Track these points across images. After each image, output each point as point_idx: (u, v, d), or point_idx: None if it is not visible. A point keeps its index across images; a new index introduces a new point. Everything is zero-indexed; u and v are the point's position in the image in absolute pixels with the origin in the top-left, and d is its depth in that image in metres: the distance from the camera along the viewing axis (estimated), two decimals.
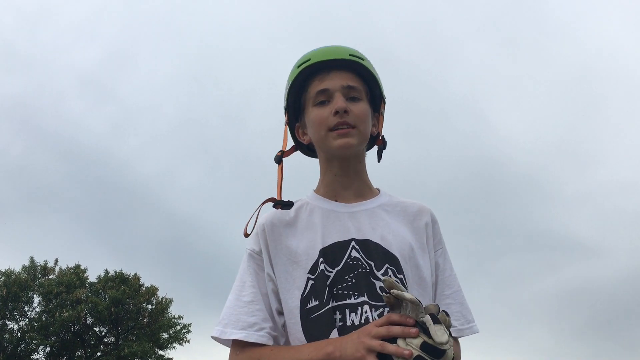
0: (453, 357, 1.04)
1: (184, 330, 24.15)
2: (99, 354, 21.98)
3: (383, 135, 1.51)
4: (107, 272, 23.61)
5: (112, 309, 21.49)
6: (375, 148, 1.53)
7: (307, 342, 1.28)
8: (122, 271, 23.51)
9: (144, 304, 22.88)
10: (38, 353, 21.78)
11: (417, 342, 1.02)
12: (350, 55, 1.41)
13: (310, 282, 1.32)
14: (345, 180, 1.45)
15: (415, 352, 1.01)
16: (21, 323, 21.89)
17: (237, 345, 1.32)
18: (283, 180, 1.45)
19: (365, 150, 1.49)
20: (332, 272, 1.32)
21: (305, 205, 1.46)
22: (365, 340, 1.08)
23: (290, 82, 1.45)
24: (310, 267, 1.34)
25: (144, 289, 23.14)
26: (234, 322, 1.32)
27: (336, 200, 1.44)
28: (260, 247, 1.40)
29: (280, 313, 1.36)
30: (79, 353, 22.09)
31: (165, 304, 23.58)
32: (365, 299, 1.27)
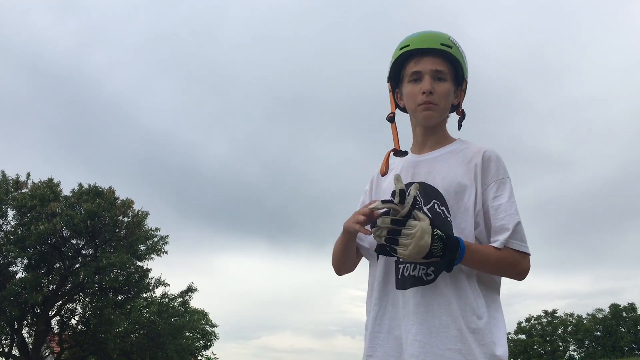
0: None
1: (161, 242, 24.48)
2: (77, 265, 22.24)
3: (463, 109, 1.95)
4: (81, 185, 23.47)
5: (89, 222, 21.54)
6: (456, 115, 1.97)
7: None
8: (97, 185, 23.41)
9: (120, 217, 22.97)
10: (16, 265, 21.95)
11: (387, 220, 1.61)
12: (441, 44, 1.83)
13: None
14: (425, 138, 1.92)
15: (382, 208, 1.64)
16: None
17: None
18: (398, 134, 1.92)
19: (447, 115, 1.92)
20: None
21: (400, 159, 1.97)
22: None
23: (393, 59, 1.91)
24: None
25: (119, 202, 23.14)
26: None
27: (415, 153, 1.93)
28: (368, 187, 2.04)
29: None
30: (58, 265, 22.33)
31: (141, 216, 23.70)
32: None
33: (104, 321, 21.93)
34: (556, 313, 47.84)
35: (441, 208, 1.76)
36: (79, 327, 23.42)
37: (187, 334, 32.02)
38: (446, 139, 1.92)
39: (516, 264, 1.71)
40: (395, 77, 1.94)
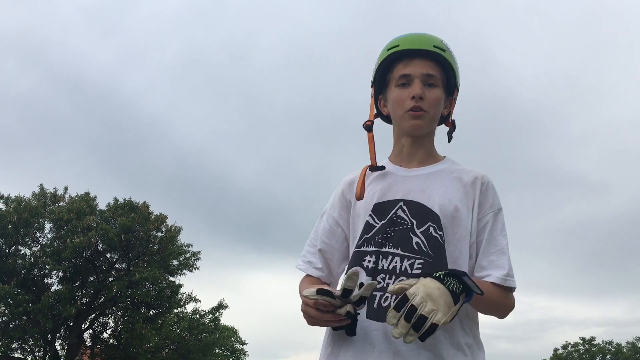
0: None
1: (193, 258, 24.55)
2: (111, 279, 22.40)
3: (453, 120, 1.74)
4: (116, 200, 23.75)
5: (123, 236, 21.73)
6: (445, 126, 1.77)
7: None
8: (131, 199, 23.65)
9: (154, 232, 23.12)
10: (51, 278, 22.25)
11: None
12: (434, 46, 1.63)
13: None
14: (412, 151, 1.69)
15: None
16: (33, 249, 22.23)
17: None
18: (375, 146, 1.70)
19: (436, 126, 1.72)
20: (378, 224, 1.59)
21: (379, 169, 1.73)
22: (303, 309, 1.45)
23: (379, 61, 1.69)
24: (366, 219, 1.63)
25: (153, 217, 23.32)
26: None
27: (400, 166, 1.69)
28: (336, 201, 1.76)
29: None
30: (92, 278, 22.53)
31: (174, 232, 23.83)
32: (398, 251, 1.53)
33: (136, 336, 21.98)
34: (594, 340, 46.33)
35: (438, 232, 1.54)
36: (111, 341, 23.52)
37: (217, 351, 31.98)
38: (435, 155, 1.72)
39: (507, 302, 1.57)
40: (381, 81, 1.73)
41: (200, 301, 25.75)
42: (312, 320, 1.42)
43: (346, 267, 1.66)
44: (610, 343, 46.17)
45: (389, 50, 1.66)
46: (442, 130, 1.77)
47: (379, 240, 1.56)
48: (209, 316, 28.16)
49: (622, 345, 45.54)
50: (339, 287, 1.40)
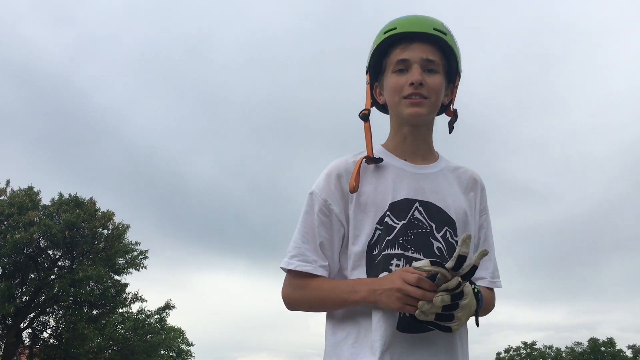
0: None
1: (140, 257, 24.05)
2: (53, 277, 21.70)
3: (455, 109, 1.63)
4: (61, 195, 23.02)
5: (67, 233, 21.08)
6: (445, 117, 1.66)
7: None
8: (77, 195, 22.97)
9: (100, 229, 22.53)
10: None
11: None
12: (434, 29, 1.51)
13: (378, 232, 1.47)
14: (414, 144, 1.58)
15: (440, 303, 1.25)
16: None
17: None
18: (372, 136, 1.57)
19: (435, 116, 1.61)
20: (397, 224, 1.46)
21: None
22: (400, 287, 1.31)
23: (375, 46, 1.57)
24: (379, 218, 1.48)
25: (99, 213, 22.72)
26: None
27: (405, 160, 1.57)
28: (328, 195, 1.55)
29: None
30: (32, 275, 21.77)
31: (121, 229, 23.28)
32: (420, 256, 1.43)
33: (77, 336, 21.34)
34: (535, 345, 47.70)
35: (454, 238, 1.49)
36: (51, 340, 22.76)
37: (163, 352, 31.40)
38: (434, 150, 1.64)
39: (493, 302, 1.62)
40: (376, 67, 1.60)
41: (146, 301, 25.21)
42: (409, 302, 1.29)
43: (364, 268, 1.48)
44: (550, 347, 47.60)
45: (385, 33, 1.54)
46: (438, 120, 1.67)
47: (402, 242, 1.45)
48: (155, 316, 27.63)
49: (562, 349, 47.05)
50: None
